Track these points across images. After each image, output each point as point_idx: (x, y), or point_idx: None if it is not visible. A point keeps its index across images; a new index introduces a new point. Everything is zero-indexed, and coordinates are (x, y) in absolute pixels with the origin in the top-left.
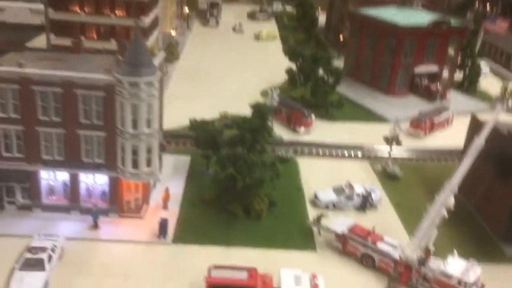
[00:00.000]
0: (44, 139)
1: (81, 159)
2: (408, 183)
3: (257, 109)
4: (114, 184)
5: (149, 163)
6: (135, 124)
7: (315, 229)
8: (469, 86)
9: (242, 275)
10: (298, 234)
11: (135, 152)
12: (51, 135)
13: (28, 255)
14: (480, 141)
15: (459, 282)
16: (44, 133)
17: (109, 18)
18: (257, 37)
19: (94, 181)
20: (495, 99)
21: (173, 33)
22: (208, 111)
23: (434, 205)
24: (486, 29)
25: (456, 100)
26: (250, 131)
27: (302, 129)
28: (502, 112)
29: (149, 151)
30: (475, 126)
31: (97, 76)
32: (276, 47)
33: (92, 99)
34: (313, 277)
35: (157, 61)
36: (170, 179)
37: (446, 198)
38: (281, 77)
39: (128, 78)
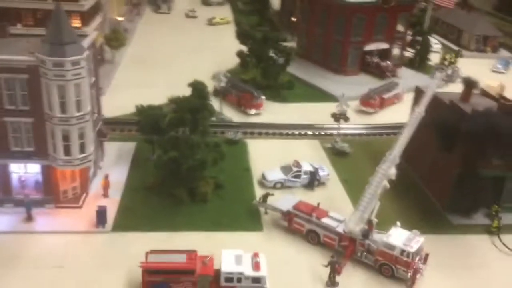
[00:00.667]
0: None
1: (10, 148)
2: (357, 159)
3: (196, 87)
4: (48, 173)
5: (82, 149)
6: (63, 108)
7: (261, 209)
8: (420, 62)
9: (181, 259)
10: (245, 215)
11: (66, 138)
12: None
13: None
14: (420, 109)
15: (402, 252)
16: None
17: (45, 3)
18: (211, 22)
19: (26, 171)
20: (434, 67)
21: (120, 19)
22: (158, 98)
23: (375, 176)
24: (436, 4)
25: (407, 76)
26: (190, 111)
27: (252, 111)
28: (441, 80)
29: (81, 136)
30: (420, 98)
31: (18, 58)
32: (229, 31)
33: (16, 83)
34: (255, 255)
35: (87, 40)
36: (113, 167)
37: (387, 169)
38: (234, 61)
39: (51, 58)
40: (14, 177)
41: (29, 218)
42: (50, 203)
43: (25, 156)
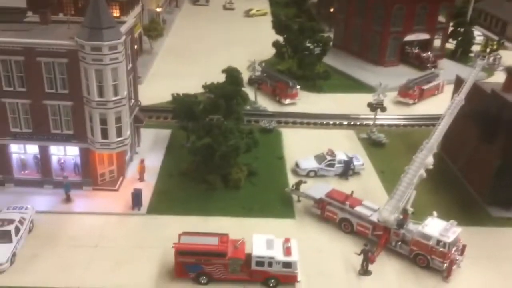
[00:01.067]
0: (10, 111)
1: (50, 131)
2: (394, 150)
3: (230, 74)
4: (86, 156)
5: (119, 132)
6: (101, 92)
7: (294, 196)
8: (462, 54)
9: (213, 241)
10: (277, 202)
11: (103, 121)
12: (17, 107)
13: None
14: (459, 97)
15: (438, 242)
16: (10, 105)
17: None
18: (248, 14)
19: (66, 154)
20: (475, 54)
21: (159, 10)
22: (194, 88)
23: (412, 165)
24: None
25: (448, 68)
26: (224, 97)
27: (287, 100)
28: (482, 68)
29: (118, 120)
30: (460, 87)
31: (58, 42)
32: (266, 23)
33: (56, 67)
34: (286, 241)
35: (125, 26)
36: (149, 152)
37: (425, 158)
38: (270, 52)
39: (90, 42)
40: (54, 160)
41: (67, 199)
42: (88, 185)
43: (64, 139)
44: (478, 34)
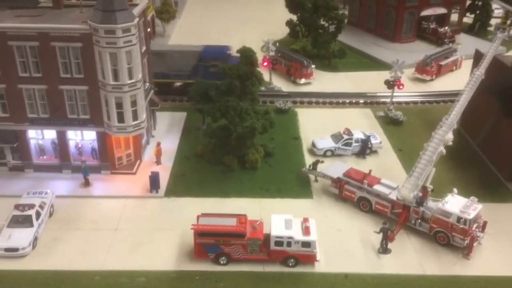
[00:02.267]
0: (27, 96)
1: (66, 116)
2: (412, 128)
3: (244, 54)
4: (103, 140)
5: (135, 116)
6: (116, 75)
7: (311, 176)
8: (480, 28)
9: (231, 222)
10: (294, 183)
11: (119, 105)
12: (34, 92)
13: (16, 212)
14: (479, 72)
15: (458, 219)
16: (27, 91)
17: None
18: None
19: (83, 138)
20: (495, 27)
21: None
22: None
23: (431, 141)
24: None
25: (466, 43)
26: (238, 77)
27: (302, 80)
28: (502, 42)
29: (134, 103)
30: (479, 61)
31: (71, 26)
32: (280, 2)
33: (70, 51)
34: (304, 220)
35: (137, 8)
36: (165, 135)
37: (444, 134)
38: (284, 31)
39: (103, 25)
40: (72, 144)
41: (86, 184)
42: (106, 169)
43: (81, 124)
44: (497, 7)
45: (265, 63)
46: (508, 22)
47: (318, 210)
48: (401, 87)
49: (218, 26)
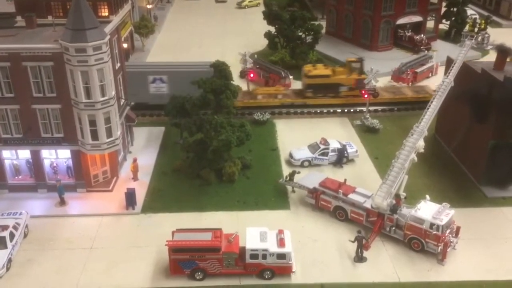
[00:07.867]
0: (0, 117)
1: (40, 135)
2: (388, 135)
3: (218, 68)
4: (78, 158)
5: (109, 133)
6: (88, 93)
7: (288, 187)
8: (456, 34)
9: (206, 237)
10: (272, 194)
11: (92, 123)
12: (6, 112)
13: None
14: (448, 79)
15: (431, 226)
16: None
17: None
18: (240, 5)
19: (57, 157)
20: (463, 35)
21: (149, 6)
22: None
23: (403, 149)
24: None
25: (442, 49)
26: (213, 91)
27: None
28: (470, 48)
29: (108, 120)
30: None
31: (42, 46)
32: (258, 14)
33: (42, 71)
34: (279, 232)
35: (109, 25)
36: (142, 151)
37: (415, 142)
38: (264, 43)
39: (73, 44)
40: (46, 163)
41: (61, 203)
42: (81, 187)
43: (55, 142)
44: (472, 13)
45: (252, 75)
46: (476, 29)
47: (295, 221)
48: (365, 96)
49: (198, 39)
